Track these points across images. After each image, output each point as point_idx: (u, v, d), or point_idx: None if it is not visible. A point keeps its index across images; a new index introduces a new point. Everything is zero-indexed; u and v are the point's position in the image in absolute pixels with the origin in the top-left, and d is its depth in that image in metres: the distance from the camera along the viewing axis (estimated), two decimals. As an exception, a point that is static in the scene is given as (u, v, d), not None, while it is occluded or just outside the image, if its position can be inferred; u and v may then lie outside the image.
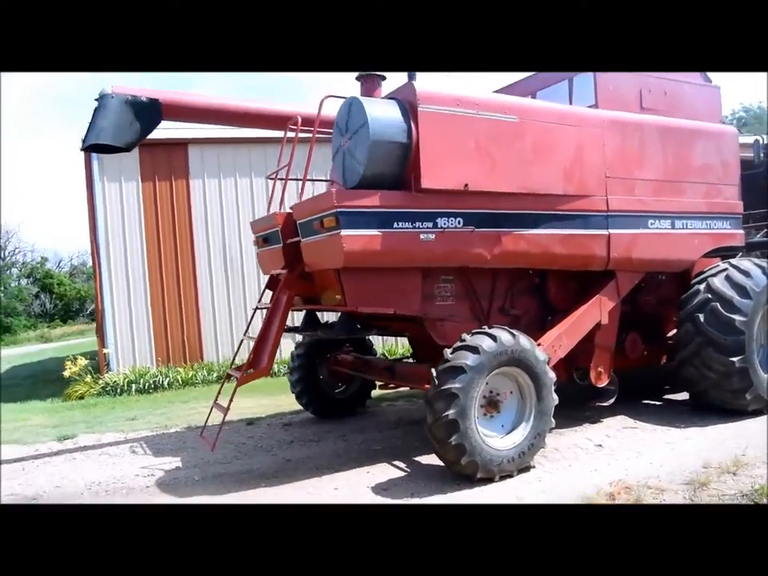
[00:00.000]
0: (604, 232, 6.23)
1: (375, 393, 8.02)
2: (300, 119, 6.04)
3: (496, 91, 7.81)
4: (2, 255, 49.37)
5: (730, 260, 6.80)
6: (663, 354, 7.28)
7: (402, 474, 5.50)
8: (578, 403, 6.88)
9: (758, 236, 9.46)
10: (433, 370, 5.14)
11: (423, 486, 5.09)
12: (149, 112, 6.34)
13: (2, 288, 42.77)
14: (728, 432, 6.04)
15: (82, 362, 10.47)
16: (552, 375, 5.45)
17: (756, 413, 6.49)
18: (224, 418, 5.82)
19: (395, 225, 5.30)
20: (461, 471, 5.07)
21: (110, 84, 6.25)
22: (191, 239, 11.33)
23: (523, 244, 5.84)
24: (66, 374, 10.33)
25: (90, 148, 6.32)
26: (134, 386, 10.17)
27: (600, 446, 5.91)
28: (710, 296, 6.49)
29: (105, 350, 10.61)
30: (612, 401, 6.63)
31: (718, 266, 6.75)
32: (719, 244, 7.08)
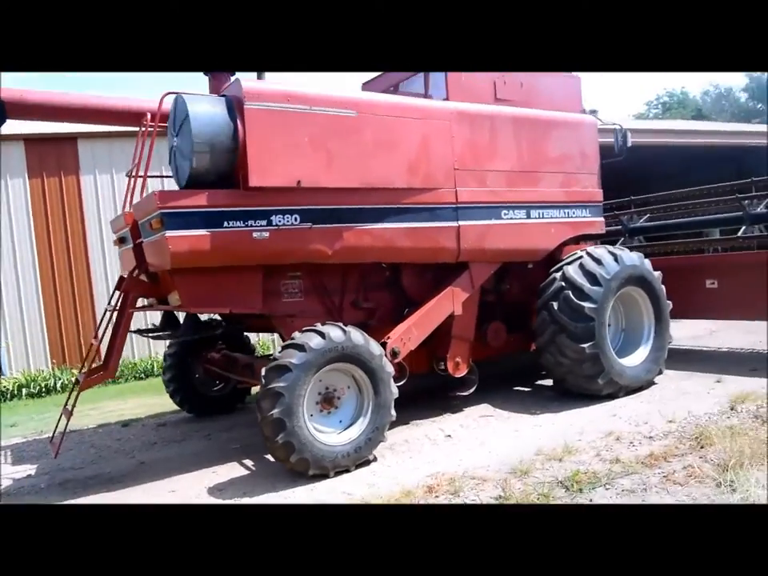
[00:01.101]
0: (453, 224, 6.27)
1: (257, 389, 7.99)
2: (149, 115, 5.93)
3: (364, 84, 7.81)
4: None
5: (587, 248, 6.92)
6: (531, 341, 7.40)
7: (246, 472, 5.51)
8: (444, 393, 6.97)
9: (641, 221, 9.65)
10: (262, 369, 5.14)
11: (259, 485, 5.10)
12: (-8, 111, 6.15)
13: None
14: (577, 417, 6.17)
15: (-31, 366, 10.25)
16: (389, 369, 5.49)
17: (611, 396, 6.65)
18: (67, 424, 5.74)
19: (225, 224, 5.25)
20: (293, 468, 5.09)
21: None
22: (84, 236, 11.11)
23: (367, 239, 5.85)
24: (-46, 380, 10.11)
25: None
26: (24, 390, 9.98)
27: (449, 436, 5.98)
28: (563, 284, 6.60)
29: (-5, 354, 10.43)
30: (471, 390, 6.72)
31: (576, 253, 6.86)
32: (579, 232, 7.20)
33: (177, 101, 5.45)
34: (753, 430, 5.13)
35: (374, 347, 5.42)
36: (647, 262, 7.05)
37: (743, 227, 8.22)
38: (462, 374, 6.62)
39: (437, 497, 4.50)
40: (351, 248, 5.79)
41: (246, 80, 5.42)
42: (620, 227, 9.54)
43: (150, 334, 6.89)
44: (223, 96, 5.52)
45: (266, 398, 5.01)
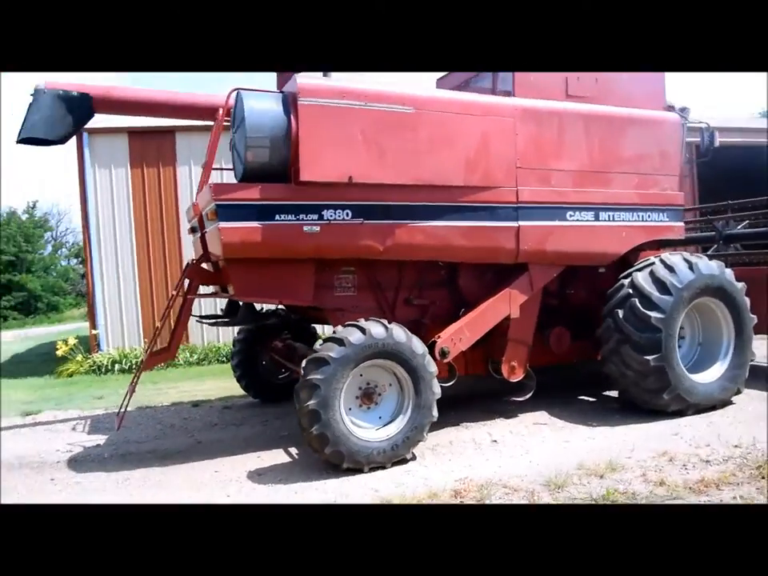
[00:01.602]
0: (513, 224, 6.09)
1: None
2: (221, 110, 6.18)
3: (438, 80, 7.73)
4: (55, 235, 51.55)
5: (662, 254, 6.51)
6: (598, 349, 7.05)
7: (288, 460, 5.65)
8: (501, 397, 6.79)
9: (739, 227, 8.95)
10: (304, 361, 5.24)
11: (295, 473, 5.22)
12: (80, 106, 6.61)
13: (52, 267, 44.85)
14: (635, 433, 5.84)
15: (72, 341, 11.07)
16: (432, 369, 5.42)
17: (678, 413, 6.23)
18: (128, 399, 6.11)
19: (277, 217, 5.38)
20: (327, 460, 5.16)
21: (44, 80, 6.58)
22: (177, 224, 11.74)
23: (419, 236, 5.79)
24: (59, 353, 10.97)
25: (24, 141, 6.67)
26: (116, 365, 10.72)
27: (495, 441, 5.84)
28: (630, 291, 6.25)
29: (94, 332, 11.23)
30: (528, 396, 6.50)
31: (648, 259, 6.47)
32: (653, 237, 6.77)
33: (237, 97, 5.63)
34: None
35: (417, 345, 5.37)
36: (728, 272, 6.53)
37: None
38: (517, 379, 6.43)
39: (462, 502, 4.41)
40: (403, 245, 5.76)
41: (303, 76, 5.51)
42: (714, 233, 8.89)
43: (208, 321, 7.19)
44: (281, 93, 5.64)
45: (303, 389, 5.10)
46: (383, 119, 5.58)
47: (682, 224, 6.96)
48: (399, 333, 5.32)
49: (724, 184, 12.75)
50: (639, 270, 6.37)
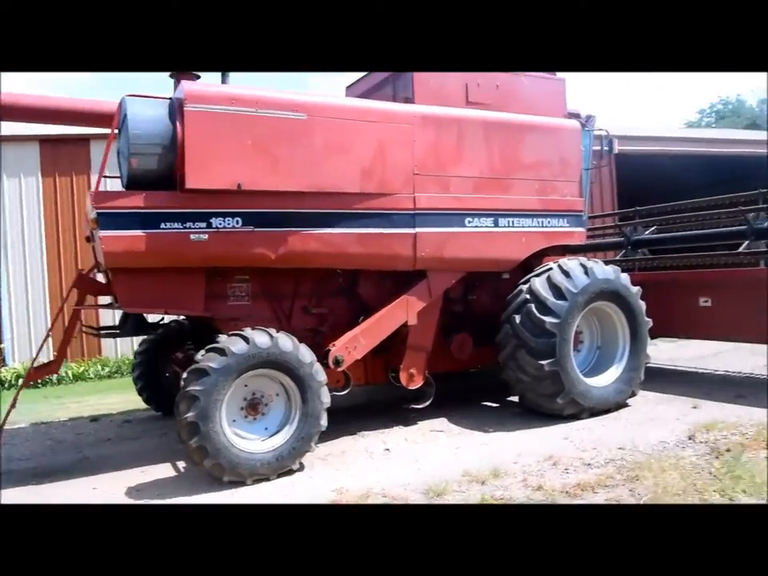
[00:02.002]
0: (410, 231, 6.06)
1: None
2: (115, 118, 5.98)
3: (348, 87, 7.68)
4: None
5: (560, 260, 6.57)
6: (502, 355, 7.10)
7: (173, 474, 5.48)
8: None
9: (646, 233, 9.14)
10: (185, 372, 5.08)
11: (179, 487, 5.04)
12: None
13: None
14: (527, 438, 5.86)
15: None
16: (321, 378, 5.33)
17: (573, 417, 6.29)
18: (6, 417, 5.84)
19: (162, 225, 5.24)
20: (209, 472, 5.01)
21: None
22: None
23: (314, 244, 5.71)
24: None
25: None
26: (21, 380, 10.29)
27: (388, 450, 5.77)
28: (528, 297, 6.30)
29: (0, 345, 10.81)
30: (427, 403, 6.48)
31: (547, 265, 6.53)
32: (554, 242, 6.85)
33: (121, 102, 5.47)
34: (694, 465, 4.73)
35: (305, 354, 5.28)
36: (624, 276, 6.64)
37: (746, 242, 7.68)
38: (416, 386, 6.39)
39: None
40: (298, 253, 5.67)
41: (190, 82, 5.38)
42: (623, 239, 9.07)
43: (96, 332, 6.96)
44: (169, 99, 5.50)
45: (182, 401, 4.95)
46: (275, 126, 5.50)
47: (582, 230, 7.06)
48: (285, 342, 5.21)
49: (646, 191, 13.12)
50: (537, 275, 6.43)
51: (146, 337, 7.70)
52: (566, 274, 6.30)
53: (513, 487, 4.59)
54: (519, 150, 6.62)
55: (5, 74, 5.53)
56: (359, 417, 6.84)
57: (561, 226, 6.85)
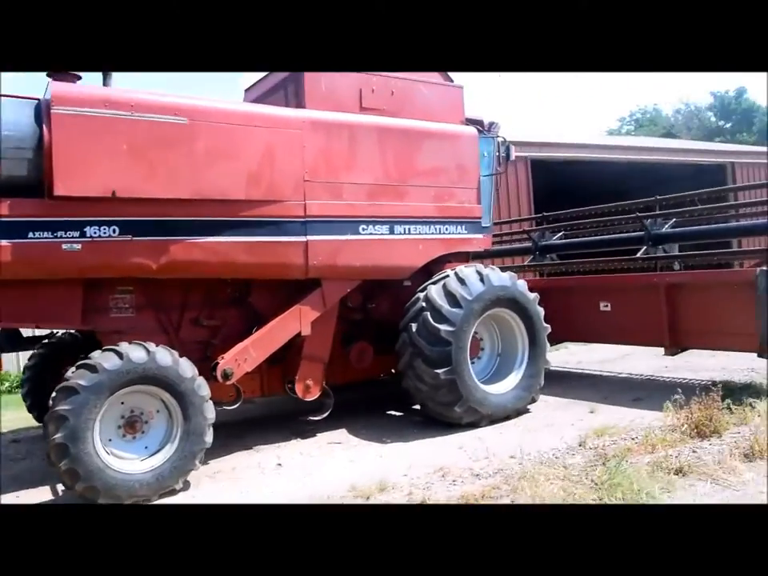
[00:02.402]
0: (301, 239, 5.92)
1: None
2: None
3: (246, 90, 7.49)
4: None
5: (457, 267, 6.55)
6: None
7: (50, 498, 5.18)
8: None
9: (554, 238, 9.29)
10: (54, 391, 4.82)
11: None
12: None
13: None
14: (423, 448, 5.80)
15: None
16: (204, 393, 5.13)
17: (472, 425, 6.27)
18: None
19: (30, 235, 4.95)
20: (82, 495, 4.74)
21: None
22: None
23: (198, 253, 5.50)
24: None
25: None
26: None
27: (280, 465, 5.61)
28: (424, 305, 6.25)
29: None
30: (324, 415, 6.35)
31: (444, 272, 6.50)
32: (452, 249, 6.82)
33: None
34: (579, 472, 4.75)
35: (185, 369, 5.07)
36: (521, 283, 6.68)
37: (644, 247, 7.86)
38: (313, 398, 6.26)
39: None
40: (181, 262, 5.45)
41: (59, 83, 5.11)
42: (531, 245, 9.18)
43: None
44: (37, 100, 5.21)
45: (50, 421, 4.68)
46: (153, 130, 5.27)
47: (481, 236, 7.05)
48: (164, 356, 4.99)
49: (566, 197, 13.33)
50: (434, 283, 6.39)
51: (35, 351, 7.32)
52: (462, 281, 6.28)
53: (397, 502, 4.50)
54: (415, 157, 6.56)
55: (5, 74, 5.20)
56: (257, 430, 6.67)
57: (459, 233, 6.83)
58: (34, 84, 6.15)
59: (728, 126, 47.97)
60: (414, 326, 6.20)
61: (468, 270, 6.41)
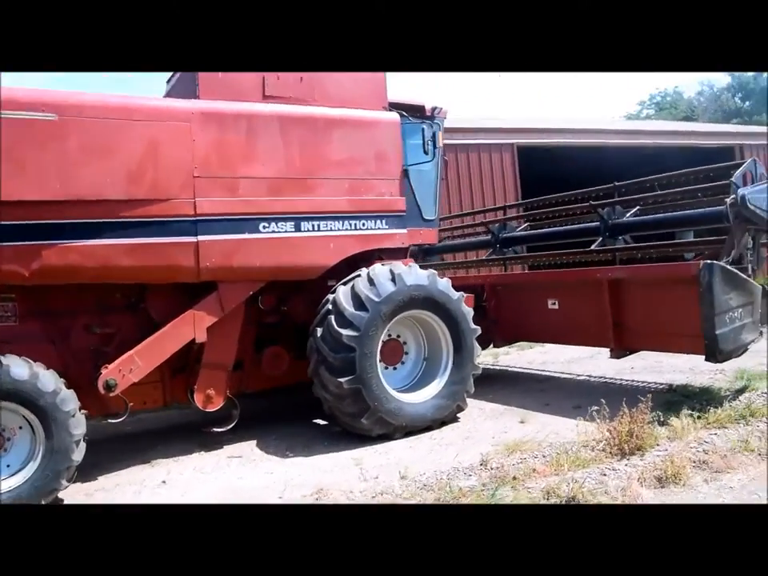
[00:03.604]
0: (191, 239, 5.52)
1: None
2: None
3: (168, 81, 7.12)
4: None
5: (373, 266, 6.06)
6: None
7: None
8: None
9: (518, 229, 8.67)
10: None
11: None
12: None
13: None
14: (319, 464, 5.36)
15: None
16: (68, 408, 4.80)
17: (385, 437, 5.79)
18: None
19: None
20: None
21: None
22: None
23: (74, 257, 5.17)
24: None
25: None
26: None
27: (164, 482, 5.24)
28: (330, 308, 5.80)
29: None
30: (229, 427, 5.98)
31: (358, 272, 6.02)
32: (370, 246, 6.31)
33: None
34: (456, 501, 4.24)
35: (45, 383, 4.75)
36: (442, 282, 6.13)
37: (600, 238, 7.22)
38: (215, 408, 5.89)
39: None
40: (56, 268, 5.12)
41: None
42: (490, 237, 8.59)
43: None
44: None
45: None
46: (18, 128, 4.94)
47: (404, 231, 6.51)
48: (19, 370, 4.68)
49: (560, 184, 12.64)
50: (345, 283, 5.93)
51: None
52: (371, 281, 5.79)
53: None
54: (325, 147, 6.07)
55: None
56: (166, 441, 6.32)
57: (378, 228, 6.33)
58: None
59: (746, 106, 45.67)
60: (319, 331, 5.76)
61: (380, 269, 5.92)
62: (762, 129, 17.02)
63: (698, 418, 5.42)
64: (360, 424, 5.71)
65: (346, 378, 5.57)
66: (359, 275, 5.92)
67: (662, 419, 5.27)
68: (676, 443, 5.04)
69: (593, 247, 7.22)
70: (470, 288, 7.85)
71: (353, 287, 5.80)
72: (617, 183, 7.35)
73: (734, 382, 6.56)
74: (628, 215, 7.28)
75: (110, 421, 5.57)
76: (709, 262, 5.52)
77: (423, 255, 9.74)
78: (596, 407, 5.09)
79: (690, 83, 59.99)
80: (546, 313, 7.07)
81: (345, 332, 5.59)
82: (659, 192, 6.78)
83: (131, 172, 5.32)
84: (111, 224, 5.28)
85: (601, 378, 7.60)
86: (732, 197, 5.74)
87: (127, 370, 5.37)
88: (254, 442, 6.13)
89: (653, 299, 6.11)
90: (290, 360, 6.38)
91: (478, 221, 9.61)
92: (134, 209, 5.34)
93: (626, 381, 7.29)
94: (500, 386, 7.67)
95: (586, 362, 8.51)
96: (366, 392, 5.61)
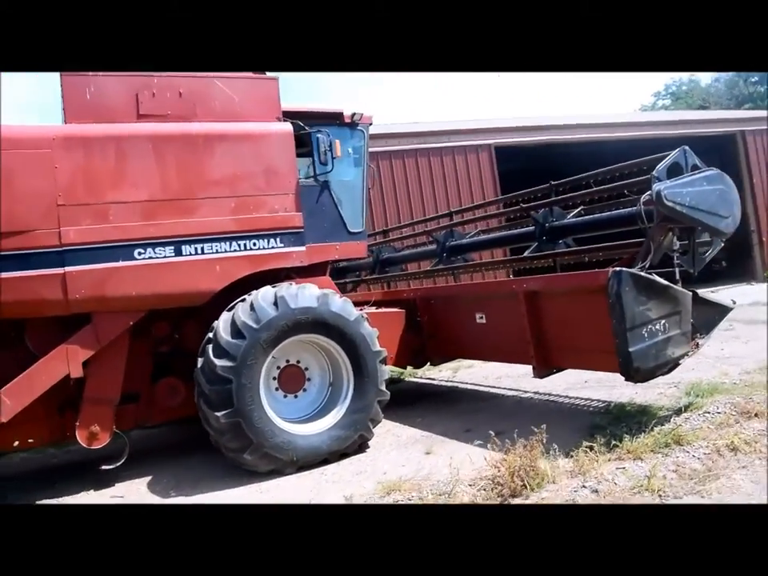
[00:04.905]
0: (57, 270, 5.26)
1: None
2: None
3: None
4: None
5: (260, 289, 5.65)
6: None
7: None
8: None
9: (469, 236, 8.10)
10: None
11: None
12: None
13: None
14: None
15: None
16: None
17: (276, 472, 5.37)
18: None
19: None
20: None
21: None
22: None
23: (-69, 295, 4.99)
24: None
25: None
26: None
27: (27, 528, 4.98)
28: (211, 336, 5.43)
29: None
30: (118, 464, 5.66)
31: (248, 295, 5.63)
32: (263, 266, 5.89)
33: None
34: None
35: None
36: (337, 303, 5.66)
37: (536, 243, 6.61)
38: (101, 445, 5.58)
39: None
40: None
41: None
42: (435, 247, 8.04)
43: None
44: None
45: None
46: None
47: (302, 249, 6.06)
48: None
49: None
50: (230, 309, 5.54)
51: None
52: (252, 306, 5.39)
53: None
54: (206, 165, 5.71)
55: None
56: (67, 479, 6.06)
57: (272, 247, 5.91)
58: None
59: (762, 89, 43.00)
60: (200, 362, 5.40)
61: (265, 293, 5.51)
62: (763, 113, 15.70)
63: (612, 447, 4.79)
64: (244, 460, 5.31)
65: (223, 412, 5.18)
66: (243, 300, 5.53)
67: (554, 453, 4.66)
68: (575, 480, 4.44)
69: (525, 254, 6.61)
70: (404, 302, 7.40)
71: (234, 313, 5.41)
72: (553, 183, 6.70)
73: (680, 398, 5.85)
74: (569, 216, 6.64)
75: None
76: (617, 269, 4.87)
77: (381, 267, 9.33)
78: (523, 432, 4.63)
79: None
80: (475, 327, 6.50)
81: (220, 363, 5.21)
82: (582, 192, 6.12)
83: (-13, 204, 5.09)
84: (-31, 259, 5.06)
85: (547, 394, 6.94)
86: (647, 194, 5.07)
87: (-6, 411, 5.13)
88: (148, 478, 5.81)
89: (569, 312, 5.47)
90: (187, 391, 6.02)
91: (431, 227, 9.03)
92: (-10, 243, 5.10)
93: (569, 398, 6.63)
94: (438, 405, 7.16)
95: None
96: (247, 426, 5.21)
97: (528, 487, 4.31)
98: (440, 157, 12.02)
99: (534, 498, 4.22)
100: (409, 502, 4.37)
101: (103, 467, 5.69)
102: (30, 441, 5.71)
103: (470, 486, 4.56)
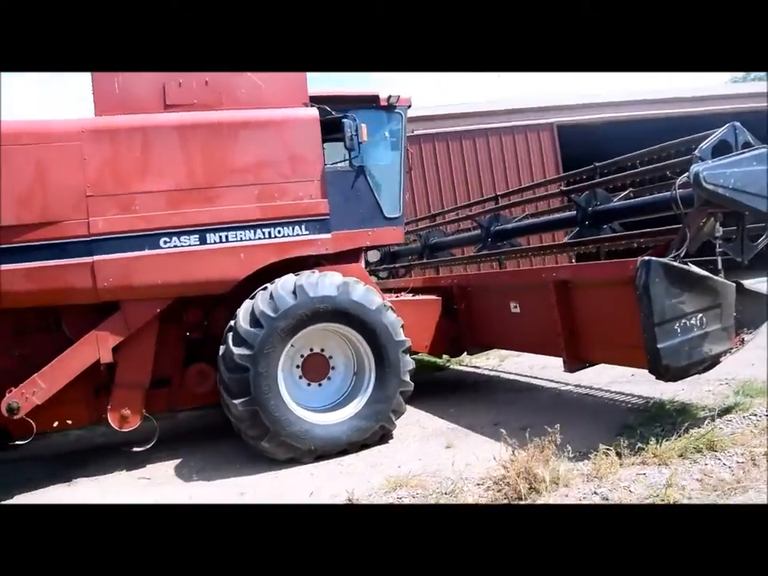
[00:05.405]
0: (86, 259, 5.43)
1: None
2: None
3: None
4: None
5: (282, 278, 5.62)
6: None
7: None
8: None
9: (515, 221, 7.77)
10: None
11: None
12: None
13: None
14: (212, 491, 5.05)
15: None
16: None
17: (294, 461, 5.38)
18: None
19: None
20: None
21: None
22: None
23: (-31, 283, 5.27)
24: None
25: None
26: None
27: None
28: (232, 324, 5.47)
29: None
30: (148, 446, 5.83)
31: (267, 285, 5.63)
32: (288, 254, 5.84)
33: None
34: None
35: None
36: (359, 291, 5.55)
37: (577, 228, 6.27)
38: (132, 428, 5.77)
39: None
40: (-45, 295, 5.26)
41: None
42: (480, 232, 7.77)
43: None
44: None
45: None
46: None
47: (327, 236, 5.98)
48: None
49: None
50: (252, 297, 5.56)
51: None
52: (270, 295, 5.38)
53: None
54: (229, 152, 5.71)
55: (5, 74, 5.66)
56: (104, 459, 6.32)
57: (296, 235, 5.86)
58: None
59: None
60: (221, 349, 5.46)
61: (285, 282, 5.48)
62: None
63: (638, 450, 4.48)
64: (262, 447, 5.34)
65: (241, 400, 5.23)
66: (265, 288, 5.53)
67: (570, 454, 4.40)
68: (588, 485, 4.19)
69: (565, 240, 6.27)
70: (442, 290, 7.21)
71: (253, 303, 5.42)
72: (596, 164, 6.30)
73: (728, 397, 5.41)
74: (616, 200, 6.24)
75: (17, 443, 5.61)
76: (646, 258, 4.51)
77: (430, 252, 9.15)
78: (546, 427, 4.42)
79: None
80: (510, 317, 6.23)
81: (237, 351, 5.24)
82: (623, 173, 5.71)
83: (20, 197, 5.29)
84: (4, 250, 5.29)
85: (588, 387, 6.60)
86: (684, 176, 4.66)
87: (30, 392, 5.38)
88: (177, 461, 5.96)
89: (599, 304, 5.14)
90: (216, 377, 6.10)
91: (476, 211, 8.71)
92: (24, 234, 5.31)
93: (610, 393, 6.27)
94: (475, 395, 6.97)
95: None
96: (264, 414, 5.23)
97: (535, 490, 4.11)
98: (498, 137, 11.58)
99: (540, 502, 4.01)
100: (409, 503, 4.24)
101: (134, 449, 5.89)
102: (68, 422, 5.95)
103: (478, 485, 4.39)
